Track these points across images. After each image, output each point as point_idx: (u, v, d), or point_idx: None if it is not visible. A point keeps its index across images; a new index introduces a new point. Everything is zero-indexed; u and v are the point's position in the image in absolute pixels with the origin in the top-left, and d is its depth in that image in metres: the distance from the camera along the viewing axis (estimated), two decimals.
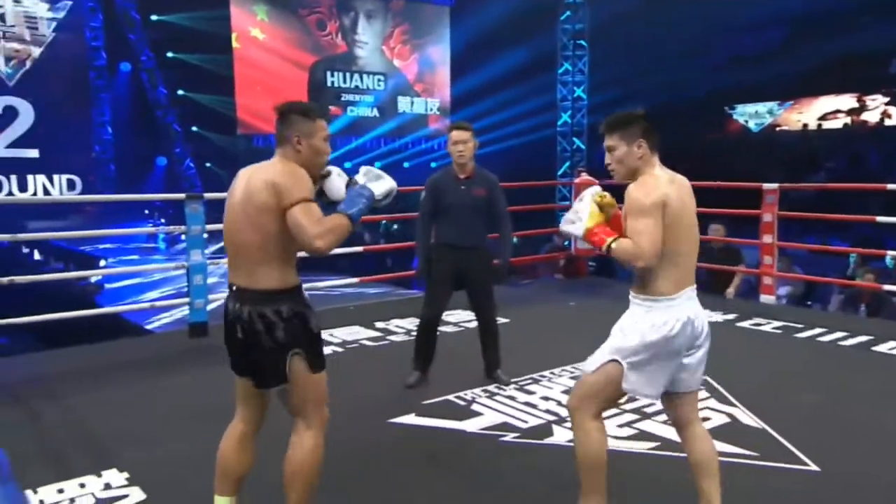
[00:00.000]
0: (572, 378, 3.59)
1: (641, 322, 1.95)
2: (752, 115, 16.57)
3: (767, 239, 5.52)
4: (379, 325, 4.78)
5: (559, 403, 3.24)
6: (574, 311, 5.45)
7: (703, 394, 3.34)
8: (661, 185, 1.94)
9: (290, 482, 1.94)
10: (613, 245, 1.93)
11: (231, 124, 14.12)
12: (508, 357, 3.66)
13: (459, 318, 4.88)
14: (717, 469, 2.03)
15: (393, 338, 4.48)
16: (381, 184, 1.99)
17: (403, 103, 16.06)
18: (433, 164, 16.10)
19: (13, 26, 11.95)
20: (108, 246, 11.71)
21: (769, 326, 4.83)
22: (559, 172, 13.12)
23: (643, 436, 2.87)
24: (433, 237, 3.56)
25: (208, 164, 14.20)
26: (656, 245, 1.89)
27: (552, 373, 3.70)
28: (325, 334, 4.43)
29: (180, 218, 4.65)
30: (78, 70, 12.96)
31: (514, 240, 3.81)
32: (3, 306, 6.05)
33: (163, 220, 13.14)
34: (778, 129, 16.29)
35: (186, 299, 4.58)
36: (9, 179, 11.88)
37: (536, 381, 3.57)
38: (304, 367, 1.91)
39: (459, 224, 3.43)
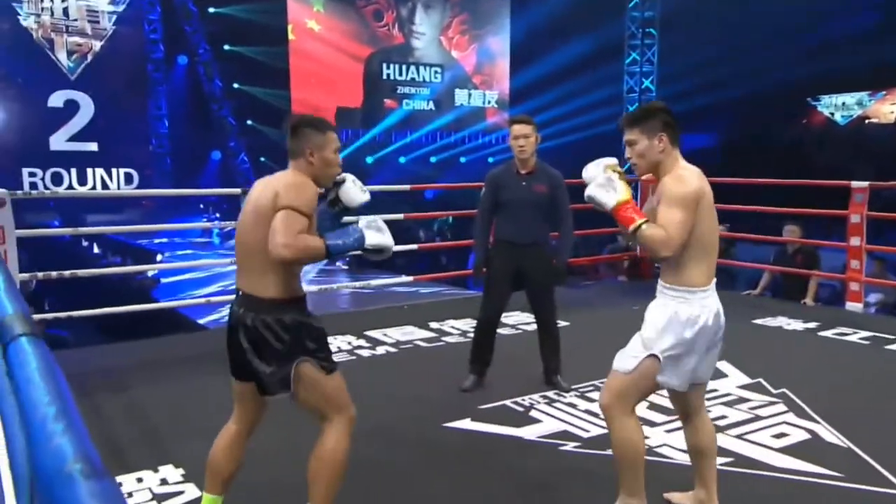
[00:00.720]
0: None
1: (678, 315, 2.03)
2: (838, 106, 15.87)
3: (855, 242, 5.29)
4: (433, 325, 4.82)
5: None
6: (638, 316, 5.32)
7: (780, 407, 3.25)
8: (696, 180, 2.03)
9: (312, 479, 2.05)
10: (644, 227, 1.99)
11: (285, 118, 14.45)
12: (568, 362, 3.64)
13: (517, 320, 4.87)
14: (716, 454, 2.25)
15: (448, 339, 4.51)
16: (376, 236, 2.03)
17: (461, 96, 16.11)
18: (490, 160, 16.08)
19: (76, 20, 12.58)
20: (164, 240, 12.22)
21: (855, 336, 4.63)
22: (625, 168, 12.88)
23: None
24: (492, 234, 3.58)
25: (262, 159, 14.60)
26: (685, 238, 1.98)
27: None
28: (378, 334, 4.58)
29: (234, 213, 4.81)
30: (136, 63, 13.55)
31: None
32: (64, 299, 6.44)
33: (217, 215, 13.61)
34: (867, 121, 15.55)
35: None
36: (69, 172, 12.54)
37: (598, 389, 3.52)
38: (316, 370, 2.00)
39: (519, 221, 3.44)
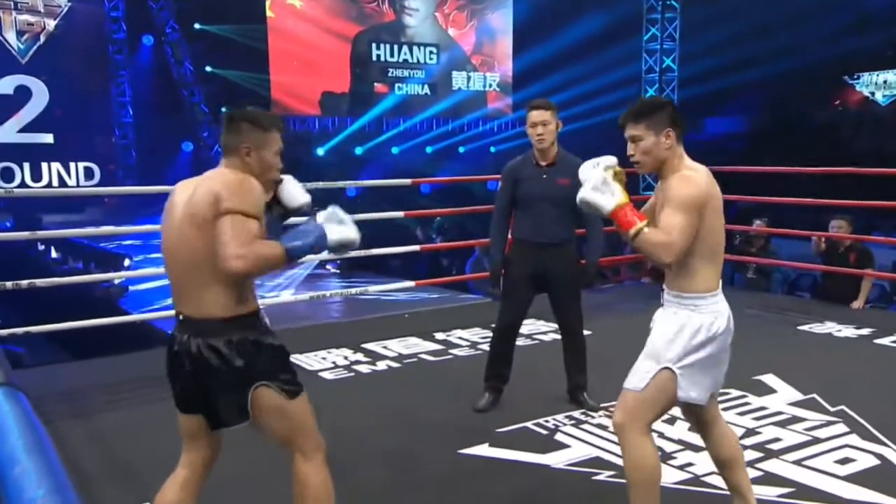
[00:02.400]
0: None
1: (690, 323, 2.10)
2: (879, 85, 15.84)
3: None
4: (439, 336, 4.78)
5: (661, 435, 3.13)
6: None
7: (840, 428, 3.18)
8: (705, 182, 2.10)
9: None
10: (645, 231, 2.04)
11: (265, 105, 14.34)
12: (594, 376, 3.59)
13: (534, 329, 4.82)
14: (744, 461, 2.31)
15: (456, 351, 4.47)
16: (338, 230, 1.98)
17: (459, 79, 16.02)
18: (492, 150, 16.02)
19: None
20: (131, 242, 12.09)
21: None
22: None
23: (771, 479, 2.74)
24: (511, 233, 3.53)
25: None
26: (688, 243, 2.05)
27: None
28: (377, 346, 4.52)
29: None
30: (96, 44, 13.41)
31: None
32: (19, 311, 6.33)
33: None
34: None
35: None
36: (21, 168, 12.40)
37: None
38: (276, 396, 1.95)
39: (539, 217, 3.39)
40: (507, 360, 3.55)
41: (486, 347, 4.36)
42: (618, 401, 2.20)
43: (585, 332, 4.79)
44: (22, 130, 12.47)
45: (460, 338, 4.75)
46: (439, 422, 3.37)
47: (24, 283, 3.97)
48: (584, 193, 2.11)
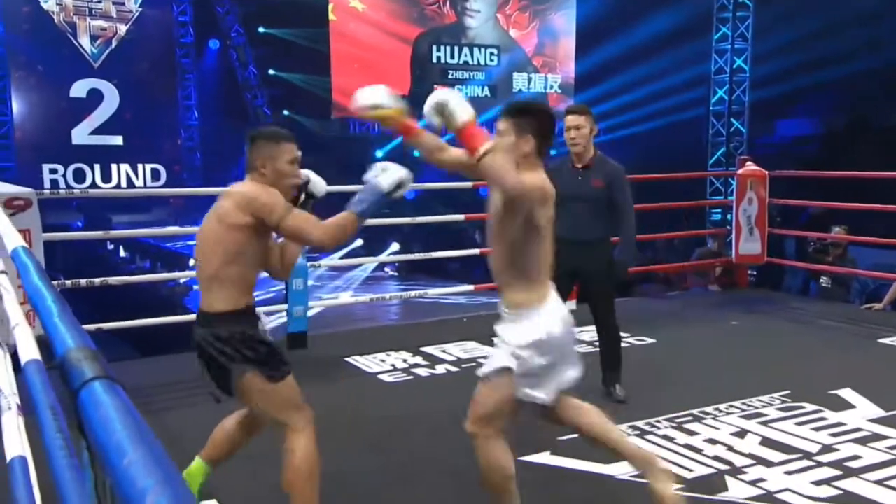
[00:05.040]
0: (743, 417, 3.40)
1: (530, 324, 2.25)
2: None
3: None
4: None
5: (730, 449, 3.06)
6: (737, 332, 5.19)
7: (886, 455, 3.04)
8: (539, 176, 2.20)
9: (291, 491, 2.25)
10: (486, 149, 2.05)
11: (325, 107, 14.62)
12: (659, 387, 3.56)
13: (595, 337, 4.76)
14: (608, 422, 2.49)
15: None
16: (387, 175, 2.25)
17: (520, 81, 15.96)
18: (552, 152, 15.88)
19: (99, 2, 12.98)
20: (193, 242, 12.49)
21: None
22: (711, 161, 12.57)
23: (851, 499, 2.64)
24: None
25: (299, 153, 14.79)
26: (524, 190, 2.11)
27: (717, 409, 3.51)
28: (436, 350, 4.54)
29: None
30: (164, 48, 13.89)
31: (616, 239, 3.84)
32: (89, 308, 6.61)
33: None
34: None
35: (284, 306, 4.75)
36: (92, 169, 12.93)
37: (698, 419, 3.40)
38: (261, 380, 2.22)
39: (574, 217, 3.51)
40: None
41: None
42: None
43: (650, 341, 4.71)
44: (93, 133, 12.96)
45: None
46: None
47: (98, 280, 4.13)
48: (443, 96, 2.15)
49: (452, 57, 15.39)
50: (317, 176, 2.51)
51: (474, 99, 15.59)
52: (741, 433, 3.19)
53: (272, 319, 7.63)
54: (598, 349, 3.84)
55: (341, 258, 11.60)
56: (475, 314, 6.10)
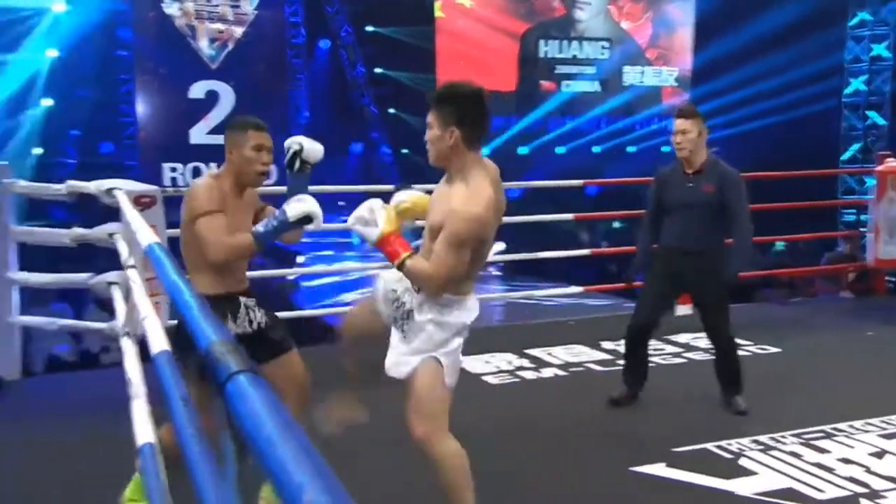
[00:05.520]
0: (882, 436, 3.19)
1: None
2: None
3: None
4: (606, 345, 4.67)
5: (867, 470, 2.87)
6: (873, 343, 4.86)
7: None
8: (487, 202, 2.09)
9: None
10: (408, 263, 2.12)
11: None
12: (785, 399, 3.41)
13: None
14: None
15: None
16: (297, 206, 2.35)
17: (632, 75, 15.56)
18: (664, 149, 15.42)
19: (217, 6, 13.67)
20: (304, 240, 12.95)
21: None
22: (844, 157, 11.80)
23: None
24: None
25: (405, 151, 15.03)
26: (453, 275, 2.12)
27: (852, 426, 3.31)
28: (542, 353, 4.50)
29: None
30: (276, 49, 14.44)
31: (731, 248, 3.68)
32: None
33: None
34: None
35: None
36: (208, 166, 13.63)
37: (829, 436, 3.21)
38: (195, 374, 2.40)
39: (682, 225, 3.46)
40: (638, 359, 3.63)
41: (658, 360, 4.23)
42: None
43: (774, 350, 4.51)
44: (210, 132, 13.67)
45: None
46: (610, 435, 3.30)
47: None
48: (350, 223, 2.22)
49: (560, 51, 15.19)
50: (312, 142, 2.55)
51: (584, 94, 15.35)
52: (880, 454, 2.99)
53: None
54: (713, 357, 3.70)
55: None
56: (582, 317, 6.03)
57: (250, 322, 2.45)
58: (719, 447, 3.11)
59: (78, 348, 5.74)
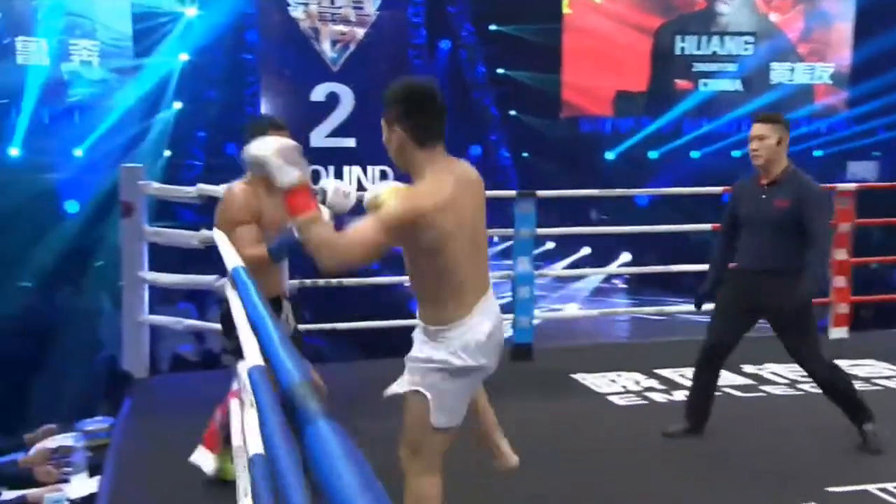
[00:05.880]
0: None
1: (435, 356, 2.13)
2: None
3: None
4: (748, 368, 4.46)
5: None
6: None
7: None
8: (436, 198, 2.00)
9: None
10: (315, 225, 1.94)
11: (553, 106, 14.72)
12: None
13: (873, 372, 4.29)
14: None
15: (770, 389, 4.16)
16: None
17: (779, 71, 14.81)
18: (817, 153, 14.62)
19: (340, 7, 14.18)
20: None
21: None
22: None
23: None
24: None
25: (525, 154, 15.02)
26: (363, 260, 2.02)
27: None
28: (673, 373, 4.38)
29: (495, 217, 4.95)
30: (397, 51, 14.80)
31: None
32: (322, 307, 7.23)
33: None
34: None
35: (509, 315, 4.83)
36: (327, 170, 14.14)
37: None
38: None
39: (755, 243, 3.32)
40: (704, 389, 3.47)
41: (807, 388, 4.00)
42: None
43: None
44: (329, 135, 14.18)
45: (774, 373, 4.40)
46: (753, 469, 3.15)
47: (335, 281, 4.51)
48: (257, 151, 1.99)
49: (699, 48, 14.68)
50: (340, 186, 2.65)
51: (723, 94, 14.76)
52: None
53: None
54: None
55: (566, 267, 11.61)
56: None
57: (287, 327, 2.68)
58: (883, 490, 2.92)
59: (201, 348, 6.10)
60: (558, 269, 11.05)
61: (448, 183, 2.05)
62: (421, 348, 2.15)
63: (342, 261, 2.00)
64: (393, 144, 2.11)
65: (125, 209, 4.33)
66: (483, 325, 2.13)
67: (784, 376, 4.34)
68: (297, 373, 1.00)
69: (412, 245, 2.07)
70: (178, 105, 12.74)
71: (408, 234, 2.01)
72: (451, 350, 2.10)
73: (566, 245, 12.10)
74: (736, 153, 14.84)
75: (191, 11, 12.60)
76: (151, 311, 4.58)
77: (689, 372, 4.36)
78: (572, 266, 11.75)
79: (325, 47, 14.19)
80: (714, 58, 14.73)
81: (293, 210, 1.95)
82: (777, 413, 3.80)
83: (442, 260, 2.06)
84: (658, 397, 4.06)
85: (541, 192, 4.84)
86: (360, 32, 14.28)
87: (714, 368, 3.50)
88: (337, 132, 14.16)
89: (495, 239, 13.88)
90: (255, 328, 1.44)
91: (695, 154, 14.90)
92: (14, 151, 11.41)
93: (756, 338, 6.04)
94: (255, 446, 1.54)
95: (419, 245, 2.04)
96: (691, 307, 5.99)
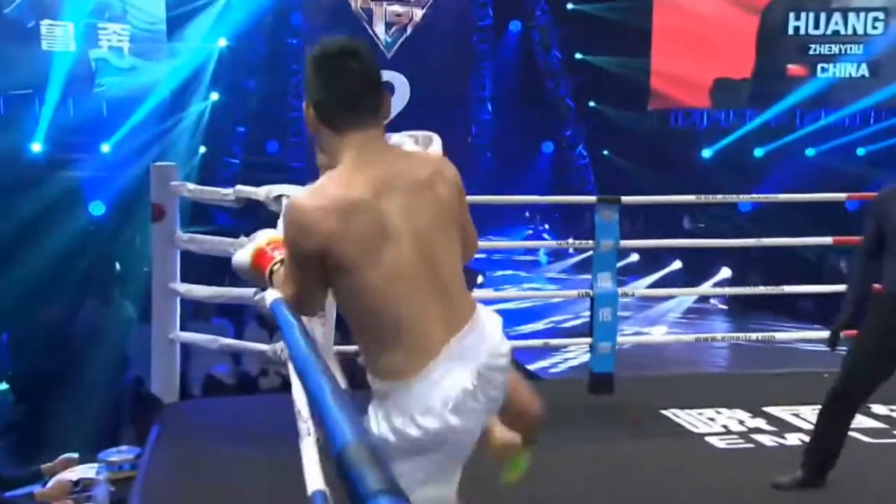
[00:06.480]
0: None
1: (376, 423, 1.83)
2: None
3: None
4: (878, 409, 4.34)
5: None
6: None
7: None
8: (321, 202, 1.76)
9: None
10: (275, 269, 1.97)
11: (640, 97, 14.56)
12: None
13: None
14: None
15: None
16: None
17: None
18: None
19: None
20: (480, 256, 13.24)
21: None
22: None
23: None
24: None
25: (605, 152, 14.90)
26: (305, 294, 1.87)
27: None
28: (785, 412, 4.30)
29: (571, 223, 4.90)
30: (460, 34, 14.92)
31: None
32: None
33: (546, 226, 14.21)
34: None
35: (587, 339, 4.79)
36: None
37: None
38: None
39: None
40: (829, 439, 3.36)
41: None
42: None
43: None
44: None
45: None
46: None
47: None
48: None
49: (816, 27, 14.30)
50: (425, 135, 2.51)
51: (847, 81, 14.32)
52: None
53: (572, 355, 7.71)
54: None
55: (653, 284, 11.44)
56: (839, 369, 5.63)
57: None
58: None
59: (237, 369, 6.20)
60: (644, 286, 10.90)
61: (357, 181, 1.78)
62: (371, 416, 1.83)
63: (297, 305, 1.86)
64: (311, 132, 1.90)
65: (156, 212, 4.44)
66: (456, 376, 1.78)
67: None
68: (351, 432, 0.97)
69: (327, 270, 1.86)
70: (214, 96, 13.04)
71: (313, 255, 1.80)
72: (404, 416, 1.77)
73: (654, 258, 11.95)
74: (861, 151, 14.42)
75: None
76: (182, 328, 4.68)
77: (804, 410, 4.32)
78: (661, 283, 11.59)
79: (379, 31, 14.37)
80: (835, 38, 14.32)
81: (264, 264, 2.03)
82: None
83: (356, 285, 1.78)
84: (766, 440, 3.99)
85: (625, 198, 4.79)
86: (419, 14, 14.44)
87: (845, 413, 3.41)
88: (391, 126, 14.23)
89: (570, 250, 14.01)
90: (299, 370, 1.43)
91: (810, 152, 14.51)
92: (36, 147, 11.83)
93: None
94: (316, 481, 1.54)
95: (328, 269, 1.81)
96: (806, 334, 5.85)
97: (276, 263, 1.97)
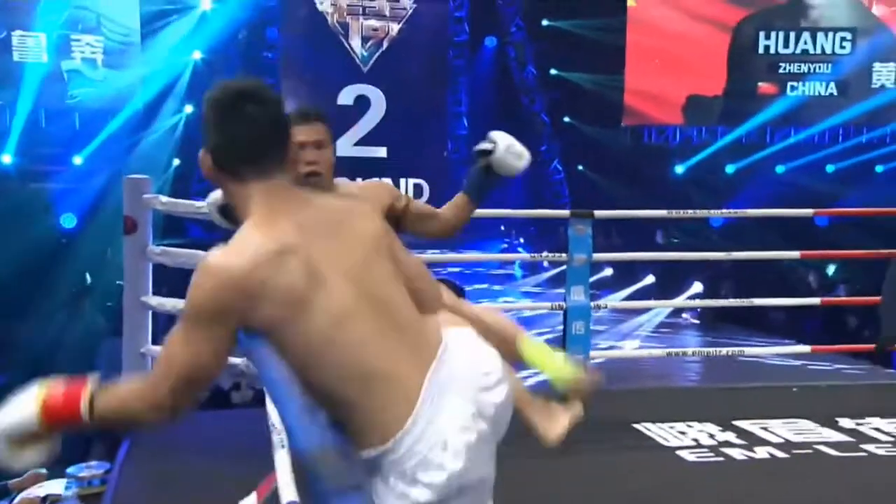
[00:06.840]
0: None
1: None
2: None
3: None
4: (845, 423, 4.37)
5: None
6: None
7: None
8: (242, 259, 1.55)
9: None
10: (97, 401, 1.63)
11: (614, 113, 14.69)
12: None
13: None
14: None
15: (872, 448, 4.05)
16: None
17: (884, 73, 14.54)
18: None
19: (374, 0, 14.37)
20: (455, 269, 13.21)
21: None
22: None
23: None
24: None
25: (580, 167, 14.99)
26: (177, 395, 1.57)
27: None
28: (754, 426, 4.31)
29: (545, 237, 4.93)
30: (436, 49, 14.94)
31: None
32: None
33: (521, 240, 14.21)
34: None
35: (558, 354, 4.79)
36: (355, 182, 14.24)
37: None
38: None
39: None
40: None
41: None
42: None
43: None
44: (358, 143, 14.27)
45: (877, 429, 4.30)
46: None
47: None
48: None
49: (786, 45, 14.53)
50: (514, 144, 2.57)
51: (815, 99, 14.53)
52: None
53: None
54: None
55: (627, 298, 11.49)
56: (808, 383, 5.70)
57: None
58: None
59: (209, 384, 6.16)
60: (617, 299, 10.95)
61: (274, 231, 1.61)
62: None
63: (156, 405, 1.59)
64: (210, 181, 1.72)
65: (128, 225, 4.40)
66: (446, 415, 1.58)
67: (890, 433, 4.25)
68: (312, 437, 0.96)
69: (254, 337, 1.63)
70: (189, 109, 12.96)
71: (232, 325, 1.58)
72: (405, 480, 1.56)
73: (627, 272, 12.00)
74: (830, 168, 14.63)
75: (205, 4, 12.85)
76: (154, 342, 4.64)
77: (773, 424, 4.34)
78: (634, 297, 11.64)
79: (355, 45, 14.37)
80: (804, 57, 14.56)
81: (70, 407, 1.68)
82: (875, 478, 3.71)
83: (300, 341, 1.58)
84: (736, 454, 3.97)
85: (598, 212, 4.80)
86: (395, 28, 14.45)
87: None
88: (366, 140, 14.26)
89: (545, 264, 14.06)
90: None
91: (780, 169, 14.70)
92: (7, 158, 11.71)
93: (856, 385, 5.96)
94: (290, 493, 1.55)
95: (256, 333, 1.61)
96: (775, 349, 5.90)
97: (93, 391, 1.68)
